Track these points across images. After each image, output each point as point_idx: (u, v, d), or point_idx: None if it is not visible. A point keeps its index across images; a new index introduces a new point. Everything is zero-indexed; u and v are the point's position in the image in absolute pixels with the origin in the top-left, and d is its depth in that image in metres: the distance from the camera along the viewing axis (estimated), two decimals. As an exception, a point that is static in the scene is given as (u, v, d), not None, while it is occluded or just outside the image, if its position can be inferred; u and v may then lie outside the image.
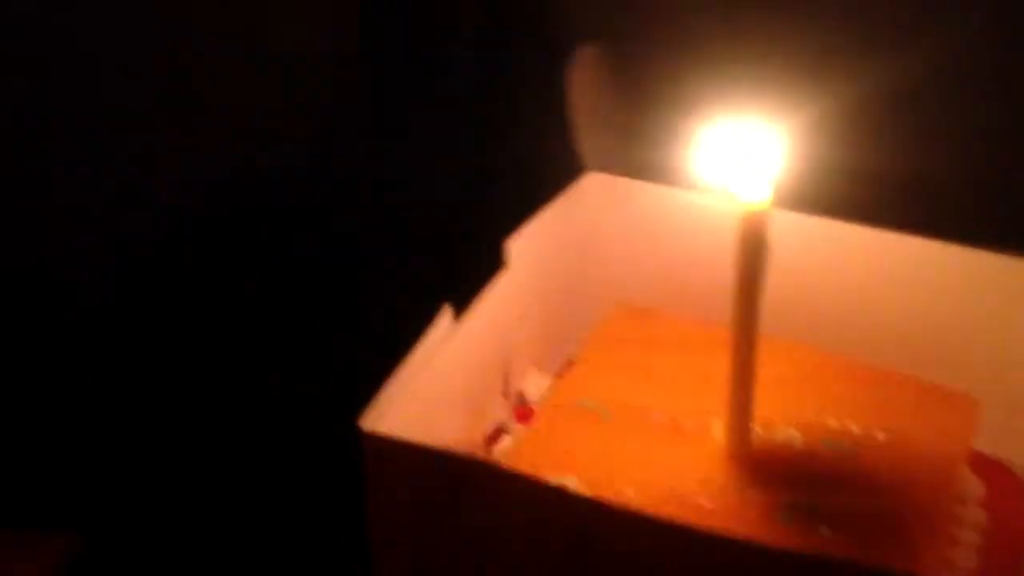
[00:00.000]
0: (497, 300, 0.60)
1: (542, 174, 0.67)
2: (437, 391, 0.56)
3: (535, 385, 0.66)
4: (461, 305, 0.57)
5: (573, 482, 0.54)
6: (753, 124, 0.50)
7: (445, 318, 0.56)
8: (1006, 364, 0.62)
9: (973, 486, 0.60)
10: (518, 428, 0.63)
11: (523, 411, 0.64)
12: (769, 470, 0.56)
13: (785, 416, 0.59)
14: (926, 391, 0.62)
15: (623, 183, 0.67)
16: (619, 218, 0.67)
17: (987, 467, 0.61)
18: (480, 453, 0.60)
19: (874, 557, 0.51)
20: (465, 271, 0.59)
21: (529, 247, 0.62)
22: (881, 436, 0.59)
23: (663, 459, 0.56)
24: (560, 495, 0.50)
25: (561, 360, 0.68)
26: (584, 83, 0.70)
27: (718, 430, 0.57)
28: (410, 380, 0.53)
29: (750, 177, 0.51)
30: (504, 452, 0.60)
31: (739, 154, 0.50)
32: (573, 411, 0.59)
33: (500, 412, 0.64)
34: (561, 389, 0.61)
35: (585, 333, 0.67)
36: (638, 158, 0.67)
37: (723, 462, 0.56)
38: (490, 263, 0.60)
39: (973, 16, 0.62)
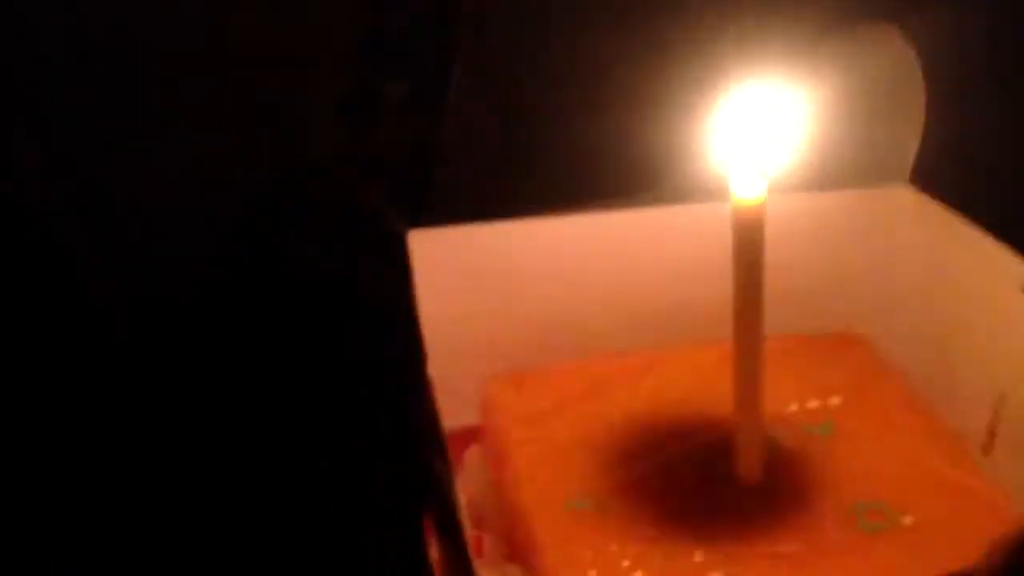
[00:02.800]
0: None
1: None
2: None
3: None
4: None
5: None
6: (760, 106, 0.42)
7: None
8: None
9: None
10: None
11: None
12: (797, 482, 0.50)
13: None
14: (820, 341, 0.59)
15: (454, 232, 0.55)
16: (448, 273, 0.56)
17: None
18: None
19: (975, 510, 0.48)
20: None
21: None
22: (835, 400, 0.55)
23: (702, 528, 0.47)
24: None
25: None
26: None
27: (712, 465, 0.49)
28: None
29: (747, 168, 0.43)
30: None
31: (743, 140, 0.42)
32: (575, 520, 0.48)
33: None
34: (533, 497, 0.49)
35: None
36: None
37: (758, 495, 0.48)
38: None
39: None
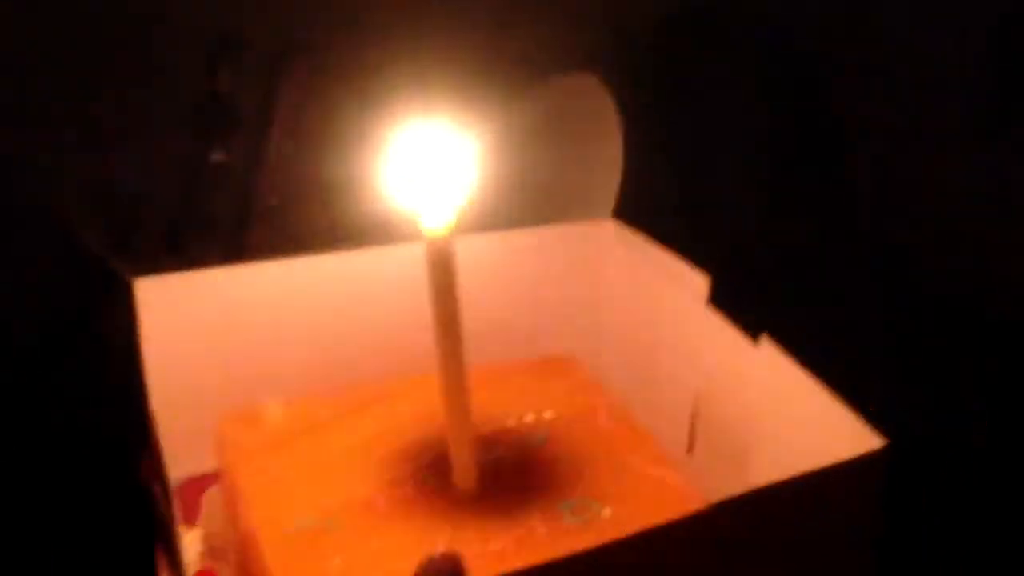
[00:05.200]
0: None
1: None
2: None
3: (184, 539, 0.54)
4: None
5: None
6: (441, 136, 0.46)
7: None
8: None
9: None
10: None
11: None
12: (513, 487, 0.54)
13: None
14: (536, 365, 0.64)
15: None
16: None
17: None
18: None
19: (665, 500, 0.52)
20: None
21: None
22: (549, 415, 0.59)
23: (422, 536, 0.50)
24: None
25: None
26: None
27: (435, 480, 0.53)
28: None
29: (435, 200, 0.47)
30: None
31: (425, 173, 0.46)
32: (301, 540, 0.50)
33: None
34: (261, 522, 0.51)
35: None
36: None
37: (475, 504, 0.52)
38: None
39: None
